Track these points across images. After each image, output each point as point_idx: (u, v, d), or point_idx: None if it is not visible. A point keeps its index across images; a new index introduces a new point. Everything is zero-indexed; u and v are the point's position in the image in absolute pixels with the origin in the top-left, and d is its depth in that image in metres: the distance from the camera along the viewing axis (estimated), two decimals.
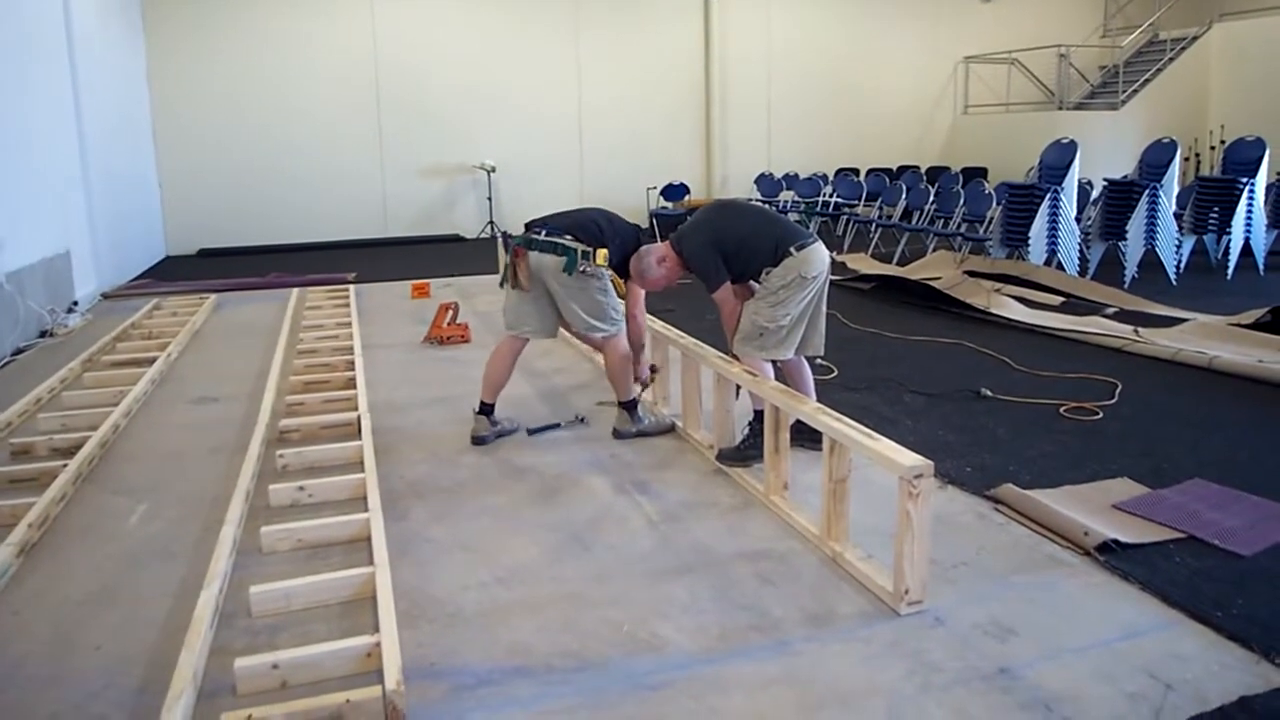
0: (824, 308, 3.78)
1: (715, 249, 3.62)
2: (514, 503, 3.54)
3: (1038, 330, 5.93)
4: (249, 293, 8.54)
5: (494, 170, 11.95)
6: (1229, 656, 2.37)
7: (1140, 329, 5.65)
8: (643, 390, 4.44)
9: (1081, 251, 7.54)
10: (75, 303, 7.62)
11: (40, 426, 4.60)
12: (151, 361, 5.69)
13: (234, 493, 3.50)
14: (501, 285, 4.19)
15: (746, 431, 3.76)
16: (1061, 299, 6.65)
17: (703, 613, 2.67)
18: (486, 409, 4.23)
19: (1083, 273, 7.43)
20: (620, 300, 4.19)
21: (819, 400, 4.64)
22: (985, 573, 2.86)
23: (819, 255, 3.62)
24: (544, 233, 4.03)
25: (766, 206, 3.97)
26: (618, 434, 4.22)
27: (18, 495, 3.59)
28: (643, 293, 4.10)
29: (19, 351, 6.22)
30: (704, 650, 2.49)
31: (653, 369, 4.49)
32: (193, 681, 2.34)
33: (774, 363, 3.74)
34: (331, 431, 4.37)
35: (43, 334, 6.75)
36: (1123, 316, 6.16)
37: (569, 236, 3.96)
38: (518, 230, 4.16)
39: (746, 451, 3.69)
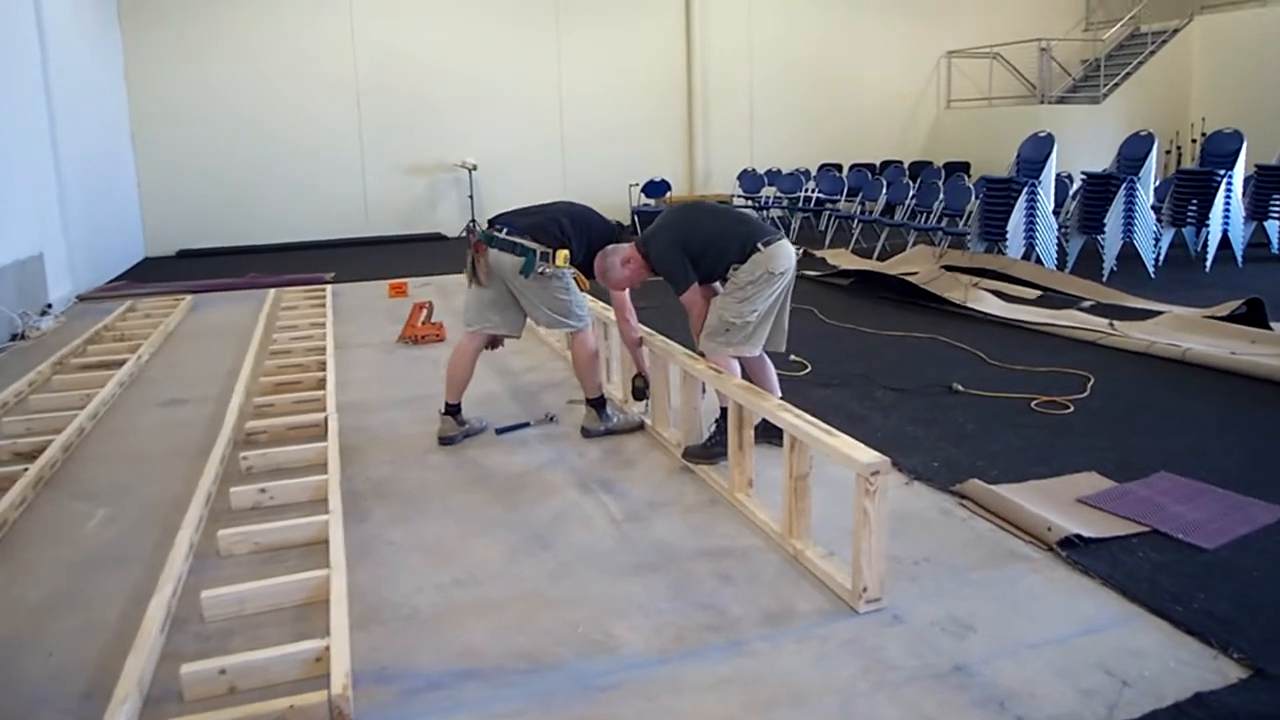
0: (789, 305, 3.75)
1: (682, 251, 3.59)
2: (477, 503, 3.51)
3: (1013, 324, 5.92)
4: (226, 294, 8.48)
5: (475, 169, 11.89)
6: (1186, 652, 2.35)
7: (1115, 322, 5.65)
8: (639, 400, 4.35)
9: (1060, 245, 7.54)
10: (49, 305, 7.55)
11: (4, 430, 4.54)
12: (121, 364, 5.63)
13: (193, 496, 3.46)
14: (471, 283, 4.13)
15: (713, 429, 3.74)
16: (1039, 293, 6.64)
17: (659, 612, 2.64)
18: (452, 409, 4.20)
19: (1061, 266, 7.43)
20: (585, 296, 4.15)
21: (792, 397, 4.64)
22: (946, 569, 2.84)
23: (785, 252, 3.59)
24: (505, 231, 3.97)
25: (732, 206, 3.92)
26: (586, 432, 4.19)
27: None
28: (627, 297, 4.03)
29: None
30: (658, 651, 2.46)
31: (645, 380, 4.35)
32: (139, 687, 2.30)
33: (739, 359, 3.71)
34: (299, 433, 4.33)
35: (14, 337, 6.68)
36: (1099, 310, 6.16)
37: (529, 237, 3.90)
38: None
39: (712, 449, 3.67)
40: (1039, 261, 7.32)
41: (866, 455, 2.52)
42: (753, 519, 3.20)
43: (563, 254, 3.91)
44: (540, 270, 3.92)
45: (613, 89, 12.44)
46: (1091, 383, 4.63)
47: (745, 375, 3.89)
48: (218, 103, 11.14)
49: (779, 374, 4.99)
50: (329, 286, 8.36)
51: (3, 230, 6.81)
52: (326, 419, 4.34)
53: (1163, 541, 2.95)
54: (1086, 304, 6.29)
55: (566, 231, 3.98)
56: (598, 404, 4.19)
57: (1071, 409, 4.29)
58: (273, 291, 8.08)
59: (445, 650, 2.50)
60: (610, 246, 3.77)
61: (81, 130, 8.91)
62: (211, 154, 11.18)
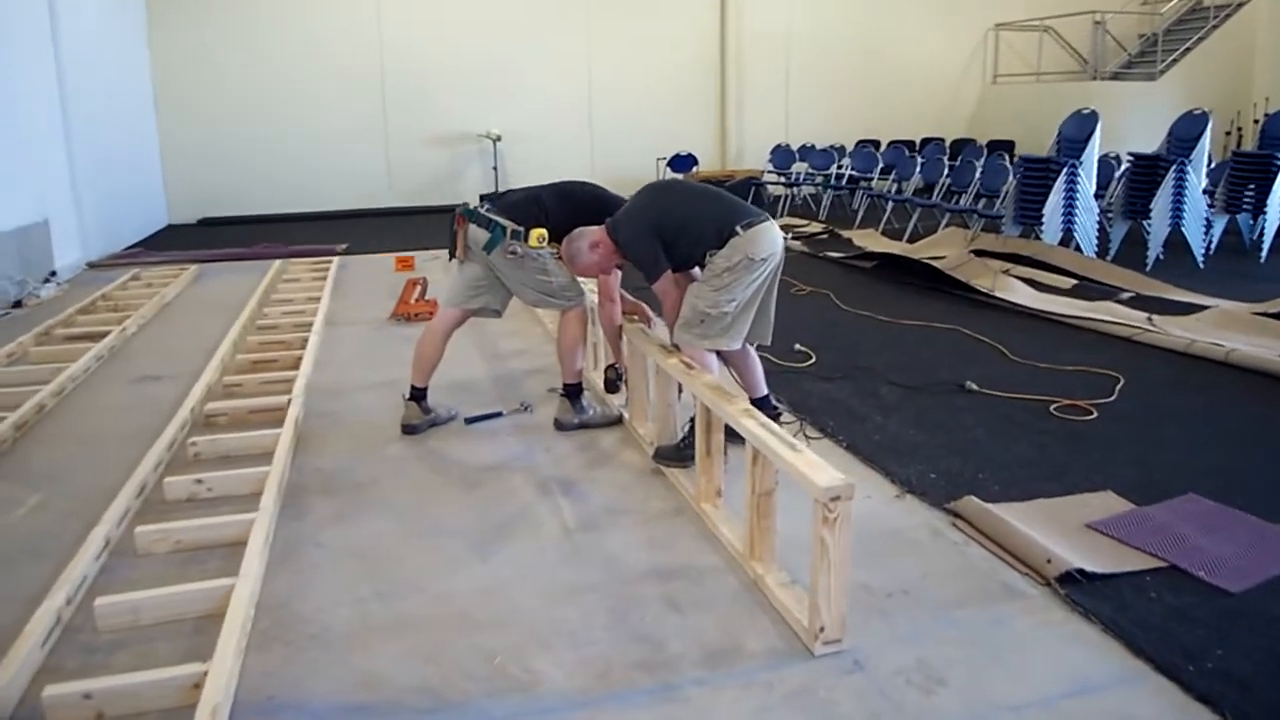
0: (774, 294, 3.40)
1: (654, 235, 3.25)
2: (425, 502, 3.24)
3: (1042, 316, 5.48)
4: (233, 264, 8.30)
5: (499, 139, 11.59)
6: None
7: (1155, 316, 5.18)
8: (611, 393, 4.04)
9: (1102, 231, 7.03)
10: (53, 273, 7.44)
11: None
12: (102, 336, 5.45)
13: (124, 487, 3.24)
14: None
15: (687, 428, 3.40)
16: (1074, 282, 6.16)
17: (591, 643, 2.34)
18: (418, 394, 3.93)
19: (1102, 254, 6.92)
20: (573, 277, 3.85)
21: (788, 391, 4.31)
22: (926, 604, 2.49)
23: (769, 236, 3.24)
24: (486, 207, 3.75)
25: (710, 186, 3.55)
26: (559, 425, 3.89)
27: None
28: (615, 280, 3.71)
29: None
30: (579, 691, 2.16)
31: (618, 373, 4.06)
32: None
33: (718, 352, 3.37)
34: (260, 417, 4.10)
35: (15, 304, 6.56)
36: (1138, 302, 5.67)
37: (507, 215, 3.64)
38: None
39: (685, 451, 3.34)
40: (1077, 248, 6.82)
41: (826, 478, 2.18)
42: (717, 534, 2.88)
43: (536, 233, 3.62)
44: (512, 250, 3.63)
45: (643, 60, 12.03)
46: (1120, 385, 4.21)
47: (732, 368, 3.57)
48: (243, 71, 10.96)
49: (782, 363, 4.69)
50: (336, 259, 8.15)
51: (5, 197, 6.68)
52: (289, 402, 4.10)
53: (1181, 580, 2.56)
54: (1125, 296, 5.80)
55: (547, 210, 3.68)
56: (573, 393, 3.89)
57: (1095, 414, 3.88)
58: (277, 263, 7.89)
59: (344, 679, 2.23)
60: (579, 229, 3.44)
61: (96, 97, 8.76)
62: (235, 122, 11.02)
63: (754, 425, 2.55)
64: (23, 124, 7.14)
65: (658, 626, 2.41)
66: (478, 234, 3.70)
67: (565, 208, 3.67)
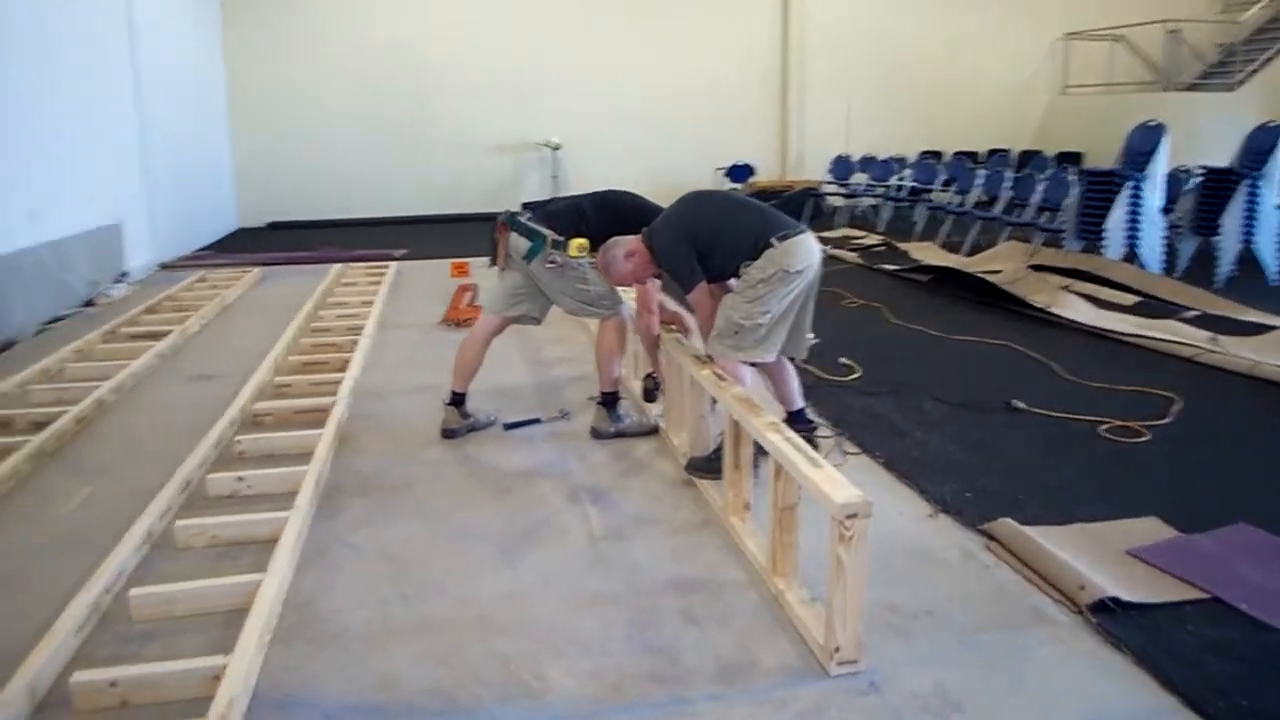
0: (811, 307, 3.36)
1: (689, 245, 3.25)
2: (456, 506, 3.27)
3: (1099, 334, 5.31)
4: (296, 267, 8.52)
5: (559, 148, 11.71)
6: None
7: (1219, 336, 4.98)
8: (648, 402, 4.06)
9: (1169, 246, 6.78)
10: (125, 273, 7.74)
11: (32, 398, 4.58)
12: (164, 335, 5.64)
13: (169, 482, 3.34)
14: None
15: (720, 440, 3.37)
16: (1136, 299, 5.95)
17: (606, 654, 2.34)
18: (458, 399, 3.98)
19: (1169, 271, 6.67)
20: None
21: (830, 404, 4.25)
22: (950, 626, 2.43)
23: (805, 248, 3.20)
24: (528, 216, 3.79)
25: (747, 196, 3.53)
26: (595, 433, 3.90)
27: None
28: (653, 289, 3.72)
29: (57, 320, 6.30)
30: (589, 701, 2.16)
31: (655, 382, 4.06)
32: (28, 694, 2.16)
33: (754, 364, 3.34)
34: (304, 417, 4.18)
35: (88, 303, 6.83)
36: (1203, 321, 5.45)
37: (547, 225, 3.68)
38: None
39: (717, 463, 3.31)
40: (1141, 264, 6.58)
41: (843, 494, 2.14)
42: (742, 548, 2.85)
43: (577, 243, 3.65)
44: (551, 259, 3.67)
45: (704, 70, 12.03)
46: (1177, 406, 4.05)
47: (768, 380, 3.54)
48: (313, 79, 11.30)
49: (826, 376, 4.63)
50: (394, 264, 8.32)
51: (78, 200, 6.97)
52: (333, 404, 4.19)
53: (1223, 613, 2.45)
54: (1190, 314, 5.59)
55: (588, 220, 3.71)
56: (610, 402, 3.90)
57: (1147, 436, 3.74)
58: (337, 267, 8.08)
59: (360, 679, 2.26)
60: (615, 238, 3.45)
61: (172, 104, 9.11)
62: (305, 128, 11.36)
63: (778, 439, 2.52)
64: (100, 129, 7.45)
65: (674, 639, 2.39)
66: (519, 242, 3.74)
67: (606, 217, 3.68)
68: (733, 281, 3.36)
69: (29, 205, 6.07)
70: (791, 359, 3.54)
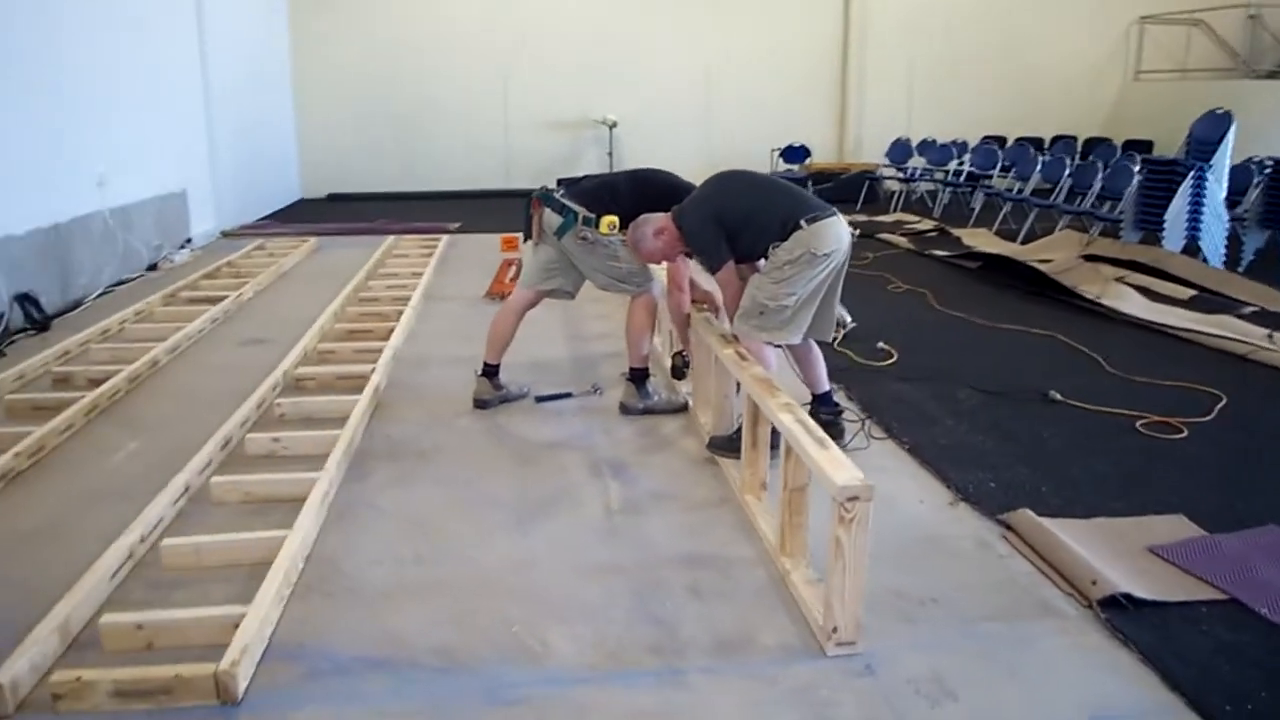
0: (839, 291, 3.34)
1: (717, 225, 3.25)
2: (480, 473, 3.35)
3: (1150, 327, 5.16)
4: (352, 238, 8.71)
5: (615, 125, 11.71)
6: None
7: (1277, 334, 4.80)
8: (677, 379, 4.09)
9: (1233, 240, 6.53)
10: (189, 240, 8.00)
11: (92, 356, 4.78)
12: (220, 300, 5.84)
13: (210, 439, 3.48)
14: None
15: (741, 419, 3.39)
16: (1193, 293, 5.76)
17: (608, 621, 2.39)
18: (490, 370, 4.05)
19: (1231, 265, 6.42)
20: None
21: (864, 389, 4.22)
22: (955, 614, 2.42)
23: (833, 231, 3.18)
24: (561, 192, 3.83)
25: (778, 177, 3.51)
26: (624, 409, 3.94)
27: (34, 422, 3.68)
28: (685, 267, 3.74)
29: (121, 283, 6.55)
30: (586, 667, 2.21)
31: (685, 360, 4.12)
32: (60, 632, 2.28)
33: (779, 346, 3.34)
34: (345, 383, 4.30)
35: (151, 267, 7.09)
36: (1261, 318, 5.25)
37: (579, 201, 3.72)
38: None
39: (738, 441, 3.30)
40: (1204, 258, 6.36)
41: (844, 476, 2.15)
42: (755, 526, 2.87)
43: (607, 220, 3.68)
44: (582, 235, 3.71)
45: (764, 48, 11.90)
46: (1222, 404, 3.93)
47: (795, 363, 3.54)
48: (374, 53, 11.48)
49: (862, 361, 4.60)
50: (446, 237, 8.44)
51: (146, 168, 7.22)
52: (372, 372, 4.30)
53: (1241, 615, 2.39)
54: (1247, 310, 5.39)
55: (620, 198, 3.74)
56: (639, 378, 3.94)
57: (1184, 433, 3.64)
58: (391, 238, 8.23)
59: (370, 634, 2.35)
60: (645, 216, 3.47)
61: (237, 76, 9.34)
62: (365, 104, 11.57)
63: (789, 420, 2.53)
64: (166, 100, 7.69)
65: (676, 612, 2.43)
66: (551, 218, 3.78)
67: (637, 195, 3.70)
68: (761, 262, 3.36)
69: (97, 172, 6.31)
70: (820, 342, 3.53)
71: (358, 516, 3.00)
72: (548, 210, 3.82)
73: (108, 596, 2.51)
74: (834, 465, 2.21)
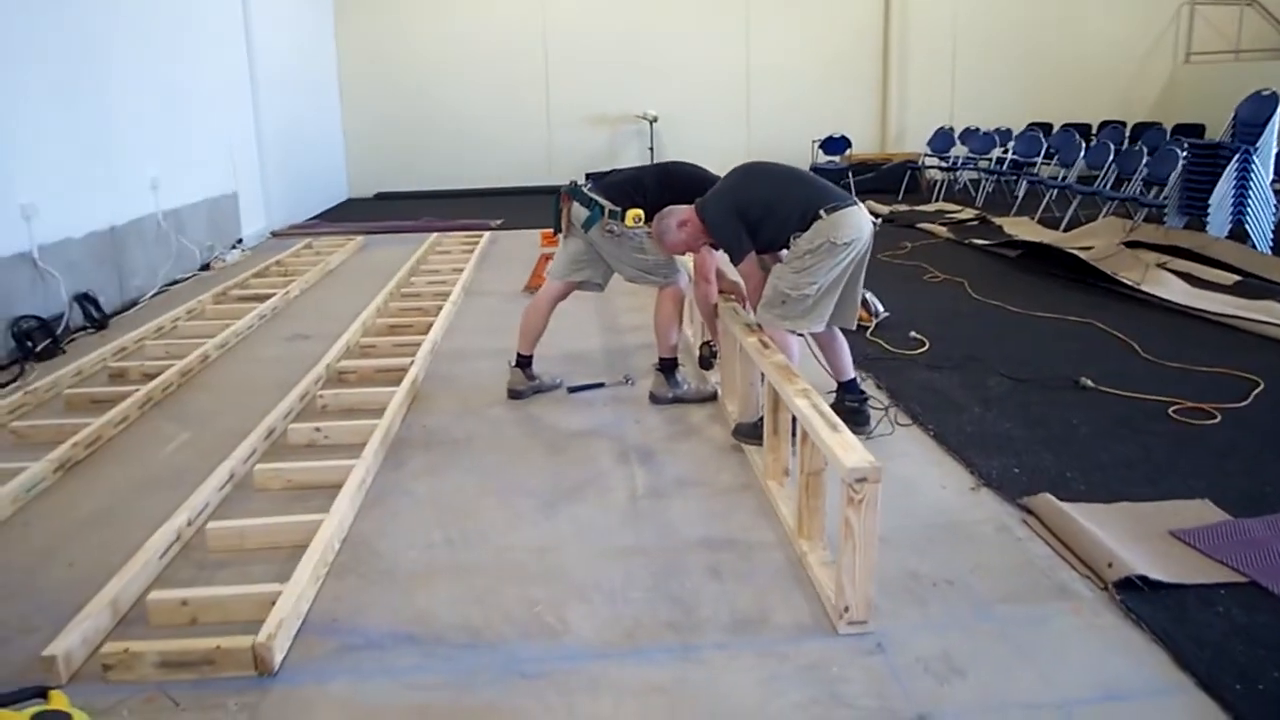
0: (861, 279, 3.37)
1: (738, 217, 3.30)
2: (511, 461, 3.45)
3: (1190, 313, 5.08)
4: (397, 235, 8.90)
5: (656, 120, 11.79)
6: None
7: None
8: (705, 369, 4.17)
9: None
10: (239, 240, 8.26)
11: (146, 352, 5.00)
12: (268, 298, 6.03)
13: (254, 430, 3.63)
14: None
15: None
16: (1236, 279, 5.65)
17: (627, 602, 2.46)
18: (524, 361, 4.16)
19: (1278, 250, 6.28)
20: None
21: (893, 377, 4.23)
22: (969, 597, 2.45)
23: (854, 220, 3.21)
24: (589, 186, 3.92)
25: (797, 167, 3.54)
26: (654, 398, 4.02)
27: (92, 415, 3.88)
28: (711, 259, 3.80)
29: (175, 282, 6.80)
30: (604, 644, 2.29)
31: (713, 350, 4.18)
32: (111, 608, 2.43)
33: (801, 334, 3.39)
34: (384, 375, 4.43)
35: (204, 267, 7.34)
36: None
37: (606, 195, 3.80)
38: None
39: (762, 428, 3.37)
40: (1252, 244, 6.22)
41: (854, 459, 2.19)
42: (775, 511, 2.92)
43: (633, 213, 3.75)
44: (608, 228, 3.79)
45: (804, 40, 11.88)
46: (1258, 390, 3.88)
47: (819, 351, 3.59)
48: (419, 54, 11.73)
49: (893, 349, 4.61)
50: (487, 234, 8.59)
51: (198, 170, 7.48)
52: (410, 365, 4.43)
53: (1259, 598, 2.39)
54: None
55: (646, 191, 3.81)
56: (668, 368, 4.01)
57: (1217, 419, 3.60)
58: (433, 235, 8.41)
59: (401, 611, 2.46)
60: (669, 208, 3.53)
61: (285, 80, 9.61)
62: (411, 102, 11.82)
63: (805, 405, 2.58)
64: (216, 104, 7.94)
65: (695, 592, 2.50)
66: (579, 212, 3.87)
67: (663, 188, 3.77)
68: (783, 252, 3.40)
69: (151, 175, 6.55)
70: (845, 330, 3.56)
71: (392, 502, 3.12)
72: (576, 204, 3.91)
73: (156, 575, 2.66)
74: (844, 448, 2.26)
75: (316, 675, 2.19)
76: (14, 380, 4.52)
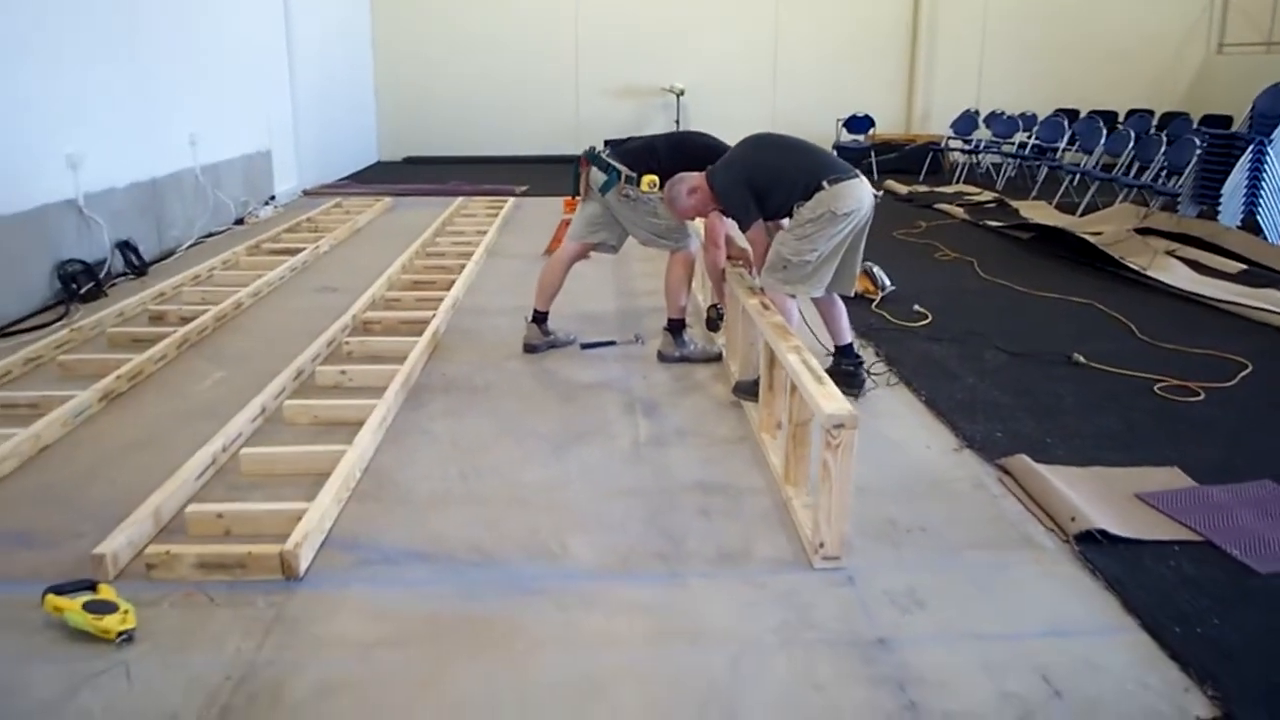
0: (861, 248, 3.54)
1: (746, 186, 3.48)
2: (525, 408, 3.66)
3: (1193, 299, 5.20)
4: (424, 198, 9.11)
5: (683, 93, 11.89)
6: (1157, 678, 2.05)
7: None
8: (712, 331, 4.36)
9: None
10: (272, 197, 8.50)
11: (184, 297, 5.25)
12: (299, 252, 6.27)
13: (285, 370, 3.86)
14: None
15: None
16: (1242, 267, 5.75)
17: (623, 533, 2.68)
18: (540, 317, 4.36)
19: None
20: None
21: (893, 347, 4.40)
22: (939, 542, 2.64)
23: (854, 192, 3.38)
24: (607, 151, 4.10)
25: (805, 140, 3.70)
26: (661, 357, 4.21)
27: (130, 352, 4.13)
28: (721, 225, 3.98)
29: (211, 235, 7.05)
30: (600, 568, 2.50)
31: (719, 312, 4.36)
32: (154, 517, 2.67)
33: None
34: (408, 327, 4.65)
35: (238, 221, 7.59)
36: None
37: (622, 160, 3.98)
38: None
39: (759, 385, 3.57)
40: (1261, 234, 6.30)
41: (832, 407, 2.38)
42: (767, 461, 3.12)
43: (647, 179, 3.93)
44: (625, 193, 3.97)
45: (833, 20, 11.92)
46: (1245, 372, 4.01)
47: (820, 315, 3.77)
48: (451, 20, 11.87)
49: (895, 321, 4.78)
50: (512, 199, 8.78)
51: (235, 129, 7.71)
52: (432, 318, 4.64)
53: (1211, 556, 2.56)
54: None
55: (660, 158, 3.98)
56: (676, 328, 4.20)
57: (1201, 396, 3.75)
58: (460, 199, 8.61)
59: (415, 533, 2.68)
60: (681, 174, 3.71)
61: (320, 43, 9.81)
62: (441, 70, 11.99)
63: (794, 360, 2.77)
64: (252, 64, 8.15)
65: (685, 528, 2.71)
66: (597, 176, 4.06)
67: (676, 155, 3.94)
68: (786, 220, 3.57)
69: (190, 131, 6.79)
70: (844, 297, 3.74)
71: (412, 439, 3.35)
72: (594, 168, 4.09)
73: (194, 494, 2.90)
74: (825, 398, 2.45)
75: (337, 583, 2.42)
76: (60, 319, 4.79)
